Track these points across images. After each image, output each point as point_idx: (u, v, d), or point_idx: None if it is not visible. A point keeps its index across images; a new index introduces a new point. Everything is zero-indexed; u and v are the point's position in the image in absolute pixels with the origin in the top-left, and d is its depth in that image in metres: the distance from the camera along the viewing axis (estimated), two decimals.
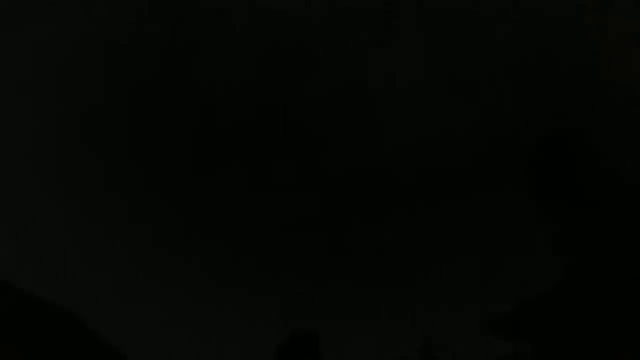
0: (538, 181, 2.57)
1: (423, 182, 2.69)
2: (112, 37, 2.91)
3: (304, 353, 2.52)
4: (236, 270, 2.66)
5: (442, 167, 2.70)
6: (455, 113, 2.72)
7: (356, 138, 2.76)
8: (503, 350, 2.50)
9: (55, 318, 2.57)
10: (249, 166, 2.74)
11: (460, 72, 2.85)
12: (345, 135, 2.76)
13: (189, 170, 2.77)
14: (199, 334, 2.59)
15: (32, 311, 2.56)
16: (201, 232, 2.68)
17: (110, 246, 2.68)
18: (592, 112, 2.82)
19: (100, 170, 2.78)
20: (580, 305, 2.47)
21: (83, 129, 2.82)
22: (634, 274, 2.46)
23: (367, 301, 2.61)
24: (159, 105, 2.85)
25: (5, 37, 2.92)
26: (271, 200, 2.70)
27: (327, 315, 2.59)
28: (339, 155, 2.74)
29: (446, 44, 2.84)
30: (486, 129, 2.71)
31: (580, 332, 2.44)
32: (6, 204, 2.76)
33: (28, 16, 2.94)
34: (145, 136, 2.82)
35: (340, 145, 2.76)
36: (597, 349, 2.42)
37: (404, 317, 2.57)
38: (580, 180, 2.53)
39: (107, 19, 2.93)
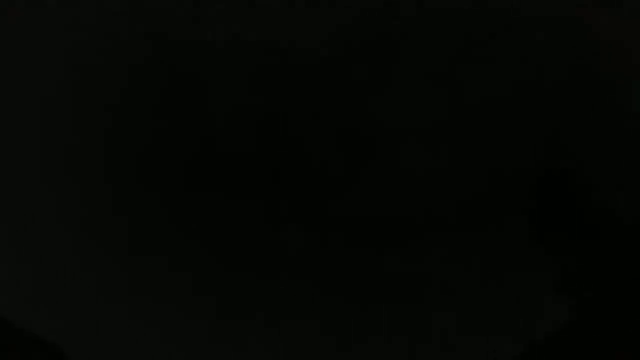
0: (538, 221, 2.59)
1: (423, 221, 2.70)
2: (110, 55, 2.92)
3: None
4: (242, 301, 2.66)
5: (442, 204, 2.71)
6: (457, 143, 2.73)
7: (359, 170, 2.77)
8: None
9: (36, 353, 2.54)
10: (251, 196, 2.74)
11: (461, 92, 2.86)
12: (348, 165, 2.77)
13: (193, 195, 2.78)
14: None
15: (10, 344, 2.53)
16: (208, 262, 2.69)
17: (108, 274, 2.69)
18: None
19: (106, 196, 2.78)
20: (593, 347, 2.48)
21: (87, 149, 2.83)
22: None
23: (371, 342, 2.61)
24: (164, 125, 2.85)
25: (10, 32, 2.92)
26: (272, 232, 2.71)
27: (325, 352, 2.60)
28: (341, 187, 2.75)
29: (447, 68, 2.84)
30: (487, 158, 2.72)
31: None
32: (5, 209, 2.76)
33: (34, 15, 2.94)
34: (149, 155, 2.82)
35: (342, 173, 2.77)
36: None
37: (409, 355, 2.58)
38: (580, 220, 2.55)
39: (116, 40, 2.93)
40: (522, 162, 2.71)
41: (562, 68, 2.86)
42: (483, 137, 2.76)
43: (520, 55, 2.87)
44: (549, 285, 2.57)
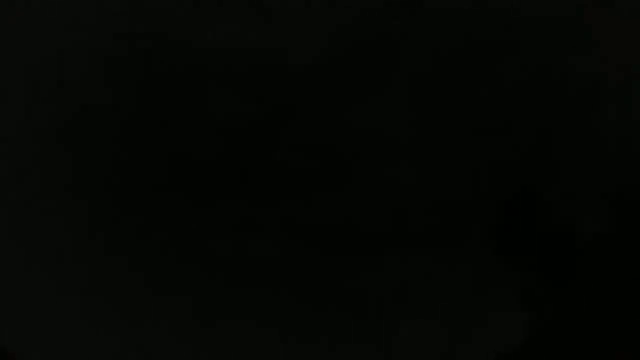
0: (503, 239, 2.64)
1: (393, 235, 2.71)
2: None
3: None
4: (213, 306, 2.66)
5: (413, 220, 2.72)
6: (433, 155, 2.74)
7: (341, 179, 2.77)
8: None
9: None
10: (229, 201, 2.74)
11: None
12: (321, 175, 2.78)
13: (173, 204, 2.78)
14: None
15: None
16: (180, 266, 2.68)
17: (80, 277, 2.68)
18: (562, 135, 2.82)
19: (84, 211, 2.78)
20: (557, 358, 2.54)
21: (70, 143, 2.82)
22: (599, 330, 2.54)
23: (338, 350, 2.62)
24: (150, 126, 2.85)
25: None
26: (250, 239, 2.71)
27: None
28: (321, 195, 2.76)
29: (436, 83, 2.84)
30: (463, 175, 2.73)
31: None
32: None
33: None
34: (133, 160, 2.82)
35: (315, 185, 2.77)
36: None
37: None
38: (542, 240, 2.61)
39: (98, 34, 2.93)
40: (495, 180, 2.73)
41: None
42: (461, 155, 2.77)
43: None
44: (515, 299, 2.60)
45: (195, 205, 2.73)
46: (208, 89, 2.86)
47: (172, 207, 2.73)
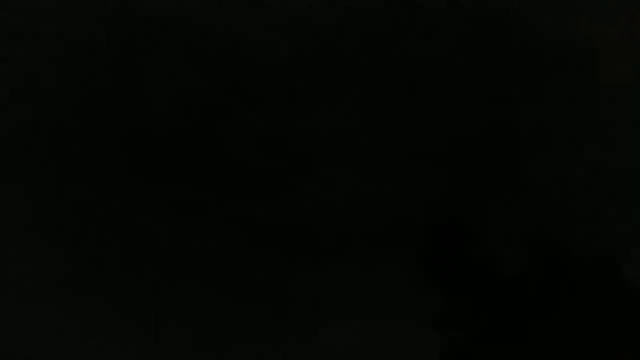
0: (426, 264, 2.68)
1: (335, 239, 2.72)
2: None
3: None
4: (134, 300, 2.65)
5: (356, 227, 2.73)
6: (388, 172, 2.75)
7: (288, 178, 2.77)
8: None
9: None
10: (179, 203, 2.74)
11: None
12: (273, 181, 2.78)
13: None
14: None
15: None
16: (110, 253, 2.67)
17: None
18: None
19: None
20: None
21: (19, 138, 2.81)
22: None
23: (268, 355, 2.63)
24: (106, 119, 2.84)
25: None
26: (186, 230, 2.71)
27: None
28: (268, 192, 2.76)
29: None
30: (404, 194, 2.75)
31: None
32: None
33: None
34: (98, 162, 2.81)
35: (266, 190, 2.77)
36: None
37: None
38: (462, 268, 2.66)
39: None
40: (430, 209, 2.76)
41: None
42: (410, 172, 2.78)
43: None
44: (429, 320, 2.65)
45: (141, 184, 2.72)
46: (182, 69, 2.85)
47: (119, 183, 2.72)
